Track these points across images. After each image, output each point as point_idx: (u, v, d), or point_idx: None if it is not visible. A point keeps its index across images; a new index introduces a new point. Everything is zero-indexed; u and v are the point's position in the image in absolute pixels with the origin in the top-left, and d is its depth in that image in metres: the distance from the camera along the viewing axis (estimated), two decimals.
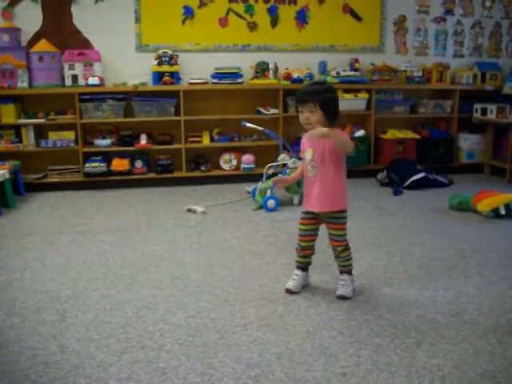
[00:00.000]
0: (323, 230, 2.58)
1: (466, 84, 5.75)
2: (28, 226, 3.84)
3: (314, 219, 2.55)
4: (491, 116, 5.43)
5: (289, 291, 2.56)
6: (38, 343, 2.12)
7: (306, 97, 2.40)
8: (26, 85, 4.89)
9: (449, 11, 5.91)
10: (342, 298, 2.49)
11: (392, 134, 5.50)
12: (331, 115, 2.42)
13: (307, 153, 2.50)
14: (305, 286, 2.63)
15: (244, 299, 2.50)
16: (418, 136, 5.56)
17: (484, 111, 5.53)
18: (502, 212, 3.90)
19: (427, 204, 4.36)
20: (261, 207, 4.19)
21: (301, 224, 2.59)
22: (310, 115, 2.40)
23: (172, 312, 2.37)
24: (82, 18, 5.13)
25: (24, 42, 5.03)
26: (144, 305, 2.45)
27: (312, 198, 2.50)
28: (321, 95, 2.40)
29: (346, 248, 2.53)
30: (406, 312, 2.36)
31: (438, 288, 2.63)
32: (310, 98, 2.39)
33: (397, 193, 4.71)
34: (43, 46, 4.94)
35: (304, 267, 2.64)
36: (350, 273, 2.57)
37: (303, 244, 2.60)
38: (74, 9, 5.11)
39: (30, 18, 5.03)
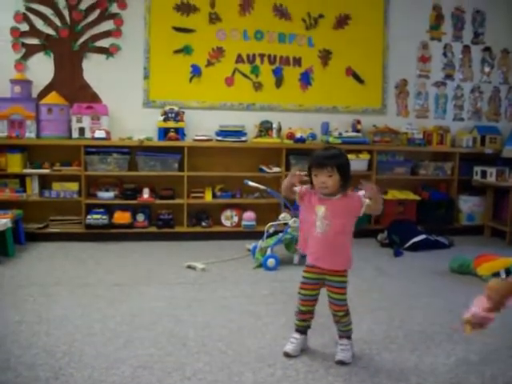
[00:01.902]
0: (322, 293, 2.57)
1: (465, 147, 5.84)
2: (26, 276, 3.83)
3: (316, 284, 2.54)
4: (491, 179, 5.49)
5: (287, 355, 2.52)
6: None
7: (325, 161, 2.42)
8: (33, 135, 4.97)
9: (449, 76, 6.08)
10: (342, 363, 2.46)
11: (393, 194, 5.55)
12: (346, 179, 2.45)
13: (318, 209, 2.48)
14: (303, 350, 2.60)
15: (242, 361, 2.47)
16: (418, 197, 5.61)
17: (484, 174, 5.59)
18: (503, 276, 3.89)
19: (428, 266, 4.35)
20: (261, 266, 4.18)
21: (302, 289, 2.57)
22: (327, 179, 2.41)
23: (168, 373, 2.34)
24: (93, 73, 5.27)
25: (35, 94, 5.14)
26: (140, 364, 2.42)
27: (320, 255, 2.49)
28: (337, 159, 2.44)
29: (347, 313, 2.52)
30: (405, 379, 2.32)
31: (439, 354, 2.60)
32: (329, 162, 2.41)
33: (397, 254, 4.71)
34: (53, 98, 5.05)
35: (303, 331, 2.62)
36: (349, 337, 2.55)
37: (303, 308, 2.58)
38: (84, 63, 5.27)
39: (41, 71, 5.17)
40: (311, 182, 2.50)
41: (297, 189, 2.57)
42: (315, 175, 2.45)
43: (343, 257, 2.50)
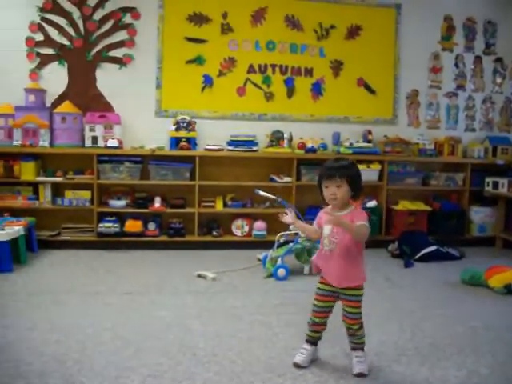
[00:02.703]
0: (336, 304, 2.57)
1: (477, 158, 5.83)
2: (38, 283, 3.86)
3: (331, 296, 2.53)
4: (503, 190, 5.46)
5: (297, 366, 2.52)
6: None
7: (334, 172, 2.42)
8: (47, 144, 5.03)
9: (460, 87, 6.07)
10: (361, 375, 2.44)
11: (403, 205, 5.53)
12: (356, 190, 2.46)
13: (326, 227, 2.49)
14: (313, 361, 2.59)
15: (251, 371, 2.47)
16: (429, 208, 5.59)
17: (495, 185, 5.56)
18: None
19: (439, 277, 4.33)
20: (271, 275, 4.18)
21: (316, 300, 2.56)
22: (336, 190, 2.42)
23: (178, 382, 2.34)
24: (106, 83, 5.33)
25: (48, 103, 5.21)
26: (150, 373, 2.43)
27: (330, 272, 2.48)
28: (347, 170, 2.44)
29: (361, 326, 2.51)
30: None
31: (449, 367, 2.58)
32: (337, 173, 2.41)
33: (408, 265, 4.69)
34: (66, 107, 5.11)
35: (314, 342, 2.61)
36: (363, 349, 2.54)
37: (317, 320, 2.56)
38: (98, 73, 5.32)
39: (55, 80, 5.24)
40: (322, 196, 2.51)
41: (314, 224, 2.60)
42: (326, 187, 2.45)
43: (352, 273, 2.47)
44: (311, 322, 2.59)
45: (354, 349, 2.55)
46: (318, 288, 2.56)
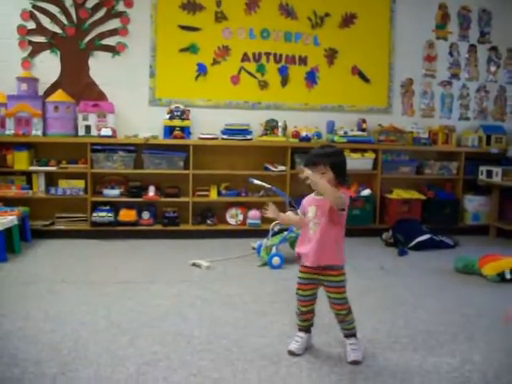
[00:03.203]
0: (323, 291, 2.58)
1: (471, 146, 5.85)
2: (32, 273, 3.85)
3: (311, 284, 2.54)
4: (496, 178, 5.48)
5: (292, 353, 2.53)
6: None
7: (317, 159, 2.45)
8: (40, 133, 5.00)
9: (454, 75, 6.08)
10: (356, 363, 2.45)
11: (397, 194, 5.54)
12: (341, 177, 2.47)
13: (310, 210, 2.52)
14: (308, 348, 2.61)
15: (246, 359, 2.48)
16: (423, 197, 5.61)
17: (489, 173, 5.58)
18: (508, 276, 3.90)
19: (432, 266, 4.35)
20: (266, 264, 4.20)
21: (298, 289, 2.58)
22: (322, 177, 2.43)
23: (174, 370, 2.35)
24: (99, 71, 5.30)
25: (41, 92, 5.17)
26: (145, 361, 2.43)
27: (310, 253, 2.49)
28: (331, 158, 2.46)
29: (350, 311, 2.52)
30: (409, 379, 2.33)
31: (443, 354, 2.60)
32: (321, 160, 2.44)
33: (402, 253, 4.71)
34: (59, 96, 5.08)
35: (306, 329, 2.63)
36: (355, 335, 2.55)
37: (303, 309, 2.59)
38: (91, 61, 5.29)
39: (48, 69, 5.20)
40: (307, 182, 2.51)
41: (299, 212, 2.62)
42: None
43: (330, 253, 2.47)
44: (298, 312, 2.61)
45: (346, 336, 2.56)
46: (299, 277, 2.58)
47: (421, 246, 4.90)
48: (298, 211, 2.65)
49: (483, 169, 5.68)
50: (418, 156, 5.82)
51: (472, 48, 6.09)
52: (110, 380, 2.25)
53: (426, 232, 5.06)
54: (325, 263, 2.47)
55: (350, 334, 2.55)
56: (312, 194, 2.58)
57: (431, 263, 4.44)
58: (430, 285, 3.82)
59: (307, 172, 2.44)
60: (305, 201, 2.60)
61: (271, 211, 2.66)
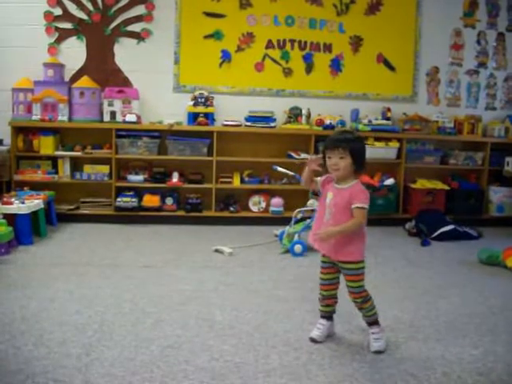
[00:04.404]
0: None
1: (497, 137, 5.75)
2: (58, 256, 3.93)
3: (332, 268, 2.54)
4: None
5: (313, 340, 2.55)
6: (63, 376, 2.14)
7: (337, 143, 2.44)
8: (65, 118, 5.06)
9: (482, 64, 5.97)
10: (379, 353, 2.45)
11: (421, 183, 5.49)
12: (359, 164, 2.46)
13: (328, 196, 2.50)
14: (329, 335, 2.61)
15: (268, 345, 2.50)
16: (447, 187, 5.54)
17: None
18: None
19: (455, 257, 4.32)
20: (288, 251, 4.21)
21: (321, 273, 2.59)
22: (339, 161, 2.42)
23: (196, 353, 2.38)
24: (124, 57, 5.33)
25: (67, 78, 5.22)
26: (169, 344, 2.47)
27: (326, 242, 2.47)
28: (351, 143, 2.44)
29: (366, 299, 2.50)
30: (431, 368, 2.32)
31: (465, 345, 2.59)
32: (341, 144, 2.42)
33: (425, 244, 4.68)
34: (85, 82, 5.13)
35: (328, 316, 2.63)
36: (377, 323, 2.55)
37: (324, 293, 2.59)
38: (116, 48, 5.32)
39: (74, 55, 5.25)
40: (325, 166, 2.50)
41: (318, 178, 2.58)
42: (328, 157, 2.46)
43: (346, 248, 2.44)
44: (320, 297, 2.62)
45: (368, 323, 2.56)
46: (321, 261, 2.58)
47: (444, 237, 4.86)
48: (318, 179, 2.58)
49: (509, 160, 5.58)
50: (442, 146, 5.75)
51: (500, 36, 5.97)
52: (134, 361, 2.29)
53: (450, 223, 5.02)
54: (338, 259, 2.47)
55: (371, 321, 2.54)
56: (333, 180, 2.53)
57: (454, 254, 4.40)
58: (453, 276, 3.79)
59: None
60: (329, 181, 2.54)
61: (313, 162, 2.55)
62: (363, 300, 2.50)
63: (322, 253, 2.54)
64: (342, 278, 2.57)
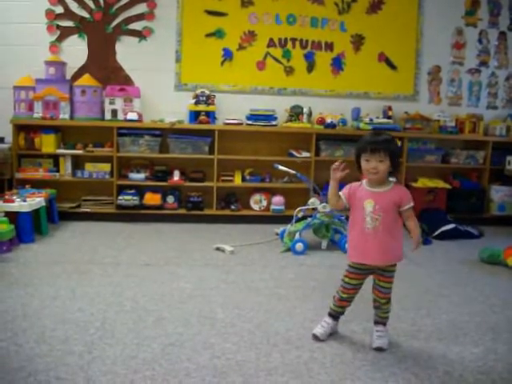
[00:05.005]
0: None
1: (498, 136, 5.74)
2: (60, 254, 3.93)
3: (363, 274, 2.51)
4: None
5: (316, 337, 2.55)
6: (65, 374, 2.14)
7: (378, 146, 2.37)
8: (67, 116, 5.06)
9: (483, 63, 5.96)
10: (380, 349, 2.46)
11: (423, 182, 5.49)
12: (395, 166, 2.43)
13: (367, 203, 2.42)
14: (332, 334, 2.61)
15: (269, 343, 2.51)
16: (448, 186, 5.54)
17: None
18: None
19: (456, 255, 4.32)
20: (289, 250, 4.21)
21: (347, 277, 2.53)
22: (379, 164, 2.38)
23: (198, 351, 2.39)
24: (125, 56, 5.34)
25: (68, 76, 5.23)
26: (171, 342, 2.47)
27: (369, 251, 2.43)
28: (391, 145, 2.41)
29: (389, 301, 2.52)
30: (432, 367, 2.33)
31: (466, 344, 2.59)
32: (381, 147, 2.37)
33: (426, 242, 4.68)
34: (86, 80, 5.13)
35: (336, 316, 2.63)
36: (385, 324, 2.56)
37: (344, 296, 2.55)
38: (118, 46, 5.33)
39: (75, 53, 5.26)
40: (359, 169, 2.46)
41: (341, 193, 2.52)
42: (366, 160, 2.39)
43: (393, 252, 2.46)
44: (338, 297, 2.58)
45: (376, 322, 2.56)
46: (351, 266, 2.52)
47: (445, 236, 4.86)
48: (341, 193, 2.52)
49: (510, 159, 5.59)
50: (444, 144, 5.74)
51: (502, 35, 5.96)
52: (136, 359, 2.29)
53: (451, 221, 5.02)
54: (387, 263, 2.46)
55: (381, 321, 2.55)
56: (364, 185, 2.48)
57: (455, 253, 4.41)
58: (454, 274, 3.80)
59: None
60: (356, 189, 2.49)
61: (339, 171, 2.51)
62: (387, 301, 2.51)
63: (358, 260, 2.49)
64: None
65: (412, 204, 2.44)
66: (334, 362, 2.34)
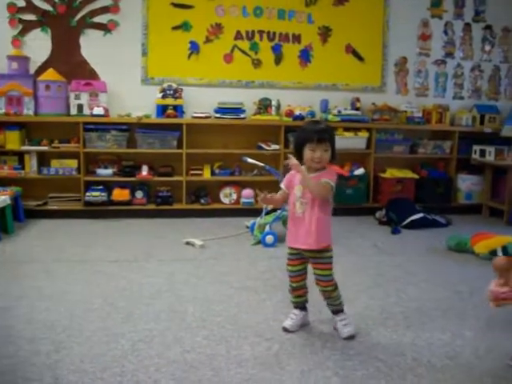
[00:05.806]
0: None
1: (465, 126, 5.83)
2: (26, 253, 3.86)
3: (301, 259, 2.54)
4: (490, 158, 5.50)
5: (286, 330, 2.55)
6: (33, 374, 2.11)
7: (323, 135, 2.39)
8: (31, 112, 4.96)
9: (449, 54, 6.04)
10: (351, 337, 2.48)
11: (391, 173, 5.55)
12: (334, 153, 2.46)
13: (297, 189, 2.48)
14: (303, 325, 2.62)
15: (240, 336, 2.50)
16: (416, 176, 5.61)
17: (483, 153, 5.60)
18: (499, 254, 3.87)
19: (425, 244, 4.38)
20: (259, 242, 4.21)
21: (288, 265, 2.58)
22: (324, 153, 2.40)
23: (168, 346, 2.37)
24: (90, 49, 5.24)
25: (32, 71, 5.11)
26: (140, 338, 2.45)
27: (300, 235, 2.47)
28: (331, 134, 2.44)
29: (336, 287, 2.52)
30: (401, 354, 2.36)
31: (434, 330, 2.63)
32: (326, 136, 2.39)
33: (395, 232, 4.74)
34: (50, 74, 5.02)
35: (302, 306, 2.64)
36: (343, 310, 2.57)
37: (294, 285, 2.59)
38: (82, 40, 5.23)
39: (39, 47, 5.14)
40: (300, 159, 2.44)
41: (281, 185, 2.58)
42: (312, 150, 2.40)
43: (322, 235, 2.45)
44: (290, 288, 2.62)
45: (334, 312, 2.57)
46: (288, 253, 2.57)
47: (414, 225, 4.92)
48: (282, 185, 2.59)
49: (476, 148, 5.69)
50: (411, 135, 5.80)
51: (467, 27, 6.04)
52: (105, 357, 2.26)
53: (419, 211, 5.08)
54: (318, 247, 2.46)
55: (338, 309, 2.56)
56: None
57: (424, 242, 4.47)
58: (422, 263, 3.85)
59: (293, 161, 2.41)
60: (292, 176, 2.53)
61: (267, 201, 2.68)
62: (333, 288, 2.51)
63: (294, 246, 2.52)
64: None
65: (329, 181, 2.40)
66: (303, 352, 2.35)
